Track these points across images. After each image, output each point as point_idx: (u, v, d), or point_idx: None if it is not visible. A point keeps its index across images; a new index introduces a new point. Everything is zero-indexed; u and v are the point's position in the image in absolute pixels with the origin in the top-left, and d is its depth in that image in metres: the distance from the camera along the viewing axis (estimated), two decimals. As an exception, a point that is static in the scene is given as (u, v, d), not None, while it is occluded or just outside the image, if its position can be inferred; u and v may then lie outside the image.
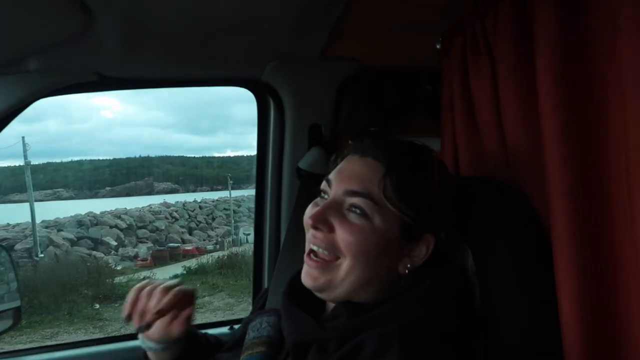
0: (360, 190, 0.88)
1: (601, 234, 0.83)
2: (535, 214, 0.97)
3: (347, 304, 0.90)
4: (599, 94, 0.82)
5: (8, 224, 20.24)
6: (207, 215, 23.58)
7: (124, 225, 20.31)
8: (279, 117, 1.61)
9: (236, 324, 1.71)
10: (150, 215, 21.71)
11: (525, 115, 1.01)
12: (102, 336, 5.60)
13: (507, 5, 1.04)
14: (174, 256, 17.06)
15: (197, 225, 22.66)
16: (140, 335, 1.04)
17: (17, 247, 15.42)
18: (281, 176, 1.65)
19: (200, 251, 17.74)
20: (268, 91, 1.60)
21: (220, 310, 9.85)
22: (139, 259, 17.17)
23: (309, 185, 1.44)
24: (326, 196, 0.94)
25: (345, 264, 0.88)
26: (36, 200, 18.81)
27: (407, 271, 0.91)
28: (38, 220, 17.78)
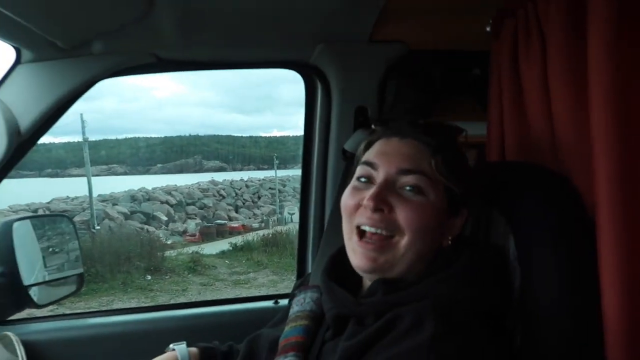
0: (413, 168, 0.92)
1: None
2: (582, 204, 0.97)
3: (384, 281, 0.94)
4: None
5: (68, 197, 21.41)
6: (253, 194, 24.05)
7: (174, 201, 21.04)
8: (326, 99, 1.64)
9: (281, 298, 1.78)
10: (198, 192, 22.37)
11: (574, 101, 1.00)
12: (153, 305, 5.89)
13: (561, -14, 1.02)
14: (221, 233, 17.54)
15: (244, 203, 23.16)
16: None
17: (76, 219, 16.23)
18: (327, 157, 1.68)
19: (246, 229, 18.15)
20: (316, 73, 1.63)
21: (265, 287, 10.11)
22: (187, 234, 17.78)
23: (354, 167, 1.47)
24: (363, 179, 0.97)
25: (403, 240, 0.91)
26: (93, 175, 19.73)
27: (449, 242, 0.96)
28: (94, 194, 18.67)
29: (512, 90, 1.25)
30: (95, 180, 20.15)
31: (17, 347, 1.39)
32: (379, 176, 0.94)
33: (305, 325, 1.02)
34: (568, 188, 0.99)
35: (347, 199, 0.97)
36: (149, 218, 19.51)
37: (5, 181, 1.48)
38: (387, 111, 1.59)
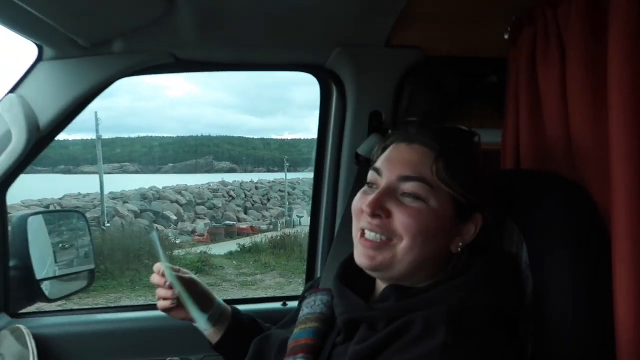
0: (414, 175, 0.92)
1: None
2: (597, 213, 0.96)
3: (396, 287, 0.94)
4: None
5: (79, 194, 21.63)
6: (263, 196, 24.12)
7: (184, 201, 21.17)
8: (341, 103, 1.65)
9: (290, 300, 1.78)
10: (209, 192, 22.49)
11: (593, 110, 0.99)
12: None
13: (582, -6, 1.01)
14: (229, 234, 17.61)
15: (253, 205, 23.23)
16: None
17: (87, 215, 16.34)
18: (340, 161, 1.68)
19: (255, 230, 18.19)
20: (332, 77, 1.64)
21: (272, 289, 10.12)
22: (196, 234, 17.86)
23: (366, 172, 1.47)
24: (374, 187, 0.97)
25: (402, 244, 0.91)
26: (105, 173, 19.92)
27: (459, 249, 0.94)
28: (106, 192, 18.83)
29: (529, 97, 1.24)
30: (107, 178, 20.35)
31: (28, 340, 1.40)
32: (382, 183, 0.95)
33: (316, 327, 1.02)
34: (583, 196, 0.99)
35: (355, 202, 0.99)
36: (159, 217, 19.65)
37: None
38: (402, 116, 1.59)
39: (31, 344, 1.40)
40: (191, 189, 22.61)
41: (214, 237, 16.96)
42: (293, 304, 1.72)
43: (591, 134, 1.00)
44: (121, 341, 1.63)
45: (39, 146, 1.46)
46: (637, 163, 0.84)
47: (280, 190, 24.80)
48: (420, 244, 0.90)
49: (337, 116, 1.67)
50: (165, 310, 1.23)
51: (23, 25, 1.27)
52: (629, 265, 0.84)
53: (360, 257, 0.95)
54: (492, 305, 0.89)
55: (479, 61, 1.58)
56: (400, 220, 0.91)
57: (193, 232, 18.35)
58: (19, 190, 1.57)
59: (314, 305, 1.08)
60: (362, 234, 0.95)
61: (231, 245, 14.39)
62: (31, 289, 1.59)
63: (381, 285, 0.99)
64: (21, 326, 1.45)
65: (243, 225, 19.18)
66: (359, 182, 1.51)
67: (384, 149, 1.01)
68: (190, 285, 1.23)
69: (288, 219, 21.18)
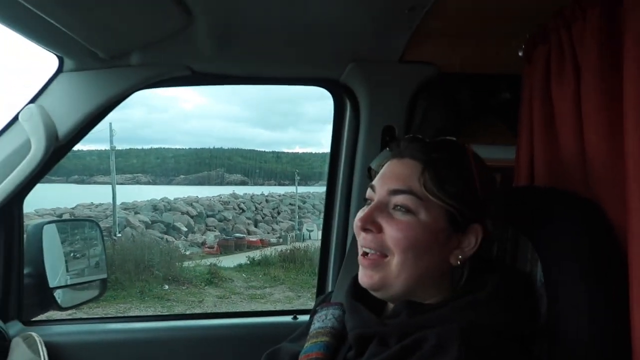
0: (402, 187, 0.92)
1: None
2: (613, 231, 0.95)
3: (408, 303, 0.93)
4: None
5: (92, 203, 21.83)
6: (273, 209, 24.13)
7: (194, 213, 21.25)
8: (354, 117, 1.66)
9: (300, 314, 1.77)
10: (219, 204, 22.56)
11: (608, 127, 0.99)
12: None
13: (596, 12, 1.01)
14: (239, 246, 17.60)
15: (263, 218, 23.24)
16: None
17: (99, 225, 16.42)
18: (352, 175, 1.69)
19: (264, 243, 18.18)
20: (345, 91, 1.65)
21: (280, 303, 10.07)
22: (206, 245, 17.90)
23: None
24: (368, 201, 0.99)
25: (395, 260, 0.91)
26: (117, 184, 20.10)
27: (458, 262, 0.93)
28: (118, 202, 18.98)
29: (543, 114, 1.24)
30: (119, 188, 20.54)
31: (40, 347, 1.41)
32: (375, 198, 0.96)
33: (326, 342, 1.02)
34: (599, 214, 0.98)
35: (355, 219, 0.99)
36: (169, 228, 19.72)
37: (34, 185, 1.52)
38: (414, 132, 1.59)
39: (43, 352, 1.41)
40: (202, 201, 22.70)
41: (223, 249, 16.97)
42: (303, 318, 1.72)
43: (606, 151, 1.00)
44: (130, 351, 1.64)
45: (57, 155, 1.49)
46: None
47: (290, 204, 24.79)
48: (412, 258, 0.90)
49: (350, 130, 1.68)
50: None
51: (45, 37, 1.30)
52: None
53: (362, 276, 0.96)
54: (504, 323, 0.88)
55: (493, 77, 1.58)
56: (390, 234, 0.91)
57: (203, 243, 18.39)
58: (33, 199, 1.60)
59: (325, 319, 1.07)
60: (363, 254, 0.96)
61: (241, 258, 14.38)
62: (44, 297, 1.61)
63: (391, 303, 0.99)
64: (33, 334, 1.46)
65: (253, 238, 19.18)
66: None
67: (379, 166, 1.02)
68: None
69: (298, 232, 21.15)
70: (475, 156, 0.98)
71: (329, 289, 1.76)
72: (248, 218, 22.62)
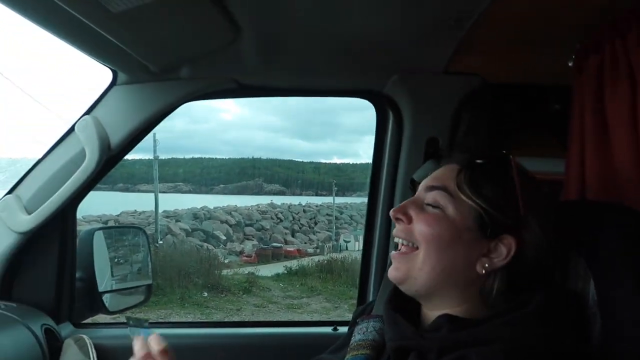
0: (437, 184, 0.96)
1: None
2: None
3: (449, 317, 0.91)
4: None
5: (135, 211, 22.54)
6: (310, 219, 24.20)
7: (233, 222, 21.58)
8: (397, 129, 1.65)
9: (340, 325, 1.77)
10: (257, 214, 22.82)
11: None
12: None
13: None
14: (276, 255, 17.73)
15: (300, 228, 23.34)
16: None
17: (142, 232, 16.87)
18: (395, 186, 1.68)
19: (301, 253, 18.24)
20: (388, 103, 1.65)
21: (317, 313, 10.06)
22: (244, 254, 18.11)
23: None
24: None
25: (421, 253, 0.93)
26: (160, 192, 20.65)
27: (484, 271, 0.91)
28: (160, 210, 19.49)
29: (596, 127, 1.20)
30: (161, 196, 21.09)
31: (90, 350, 1.46)
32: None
33: (367, 354, 1.01)
34: None
35: None
36: (209, 236, 20.07)
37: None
38: (459, 143, 1.57)
39: (92, 354, 1.46)
40: (240, 210, 23.03)
41: (261, 258, 17.13)
42: (343, 329, 1.71)
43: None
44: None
45: (109, 165, 1.55)
46: None
47: (327, 214, 24.80)
48: (435, 251, 0.92)
49: (393, 141, 1.68)
50: None
51: (101, 52, 1.37)
52: None
53: (390, 272, 0.99)
54: (551, 344, 0.85)
55: (540, 88, 1.55)
56: (417, 226, 0.94)
57: (241, 252, 18.63)
58: (81, 205, 1.67)
59: (366, 331, 1.07)
60: (395, 247, 1.00)
61: (278, 267, 14.48)
62: (93, 301, 1.67)
63: (426, 312, 0.99)
64: (84, 336, 1.52)
65: (290, 248, 19.28)
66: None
67: (422, 178, 1.05)
68: None
69: (335, 243, 21.11)
70: (521, 169, 0.97)
71: (370, 300, 1.74)
72: (285, 228, 22.78)
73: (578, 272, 1.00)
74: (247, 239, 20.92)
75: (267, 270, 14.06)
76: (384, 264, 1.71)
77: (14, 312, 1.40)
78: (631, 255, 0.91)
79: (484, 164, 0.95)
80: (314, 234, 22.95)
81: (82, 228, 1.81)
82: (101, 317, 1.83)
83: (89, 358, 1.45)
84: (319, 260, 14.68)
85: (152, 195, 19.65)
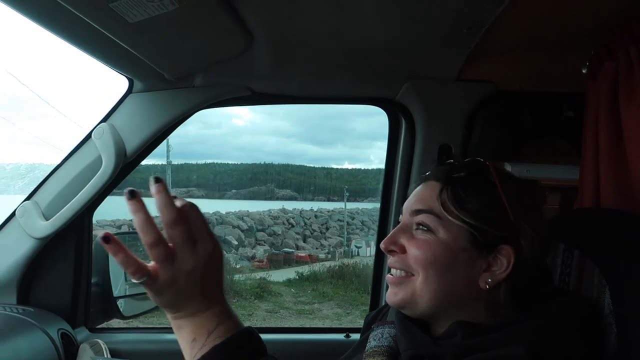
0: (422, 207, 0.93)
1: None
2: None
3: (463, 323, 0.91)
4: None
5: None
6: (322, 225, 24.13)
7: (245, 227, 21.60)
8: (410, 135, 1.66)
9: (352, 332, 1.77)
10: (269, 219, 22.82)
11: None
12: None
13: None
14: (288, 261, 17.69)
15: (312, 233, 23.29)
16: None
17: (154, 237, 16.97)
18: (407, 193, 1.68)
19: (313, 259, 18.18)
20: (401, 110, 1.66)
21: (329, 319, 10.01)
22: (256, 259, 18.11)
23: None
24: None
25: (418, 279, 0.91)
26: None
27: (487, 286, 0.90)
28: (173, 215, 19.53)
29: (610, 134, 1.19)
30: (174, 201, 21.12)
31: (105, 354, 1.48)
32: (402, 222, 0.98)
33: None
34: None
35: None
36: (221, 241, 20.01)
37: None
38: (471, 151, 1.57)
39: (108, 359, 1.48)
40: (252, 215, 23.04)
41: (272, 263, 17.11)
42: (355, 336, 1.71)
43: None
44: None
45: (125, 171, 1.57)
46: None
47: (339, 220, 24.72)
48: (433, 276, 0.90)
49: (405, 148, 1.68)
50: None
51: (118, 60, 1.39)
52: None
53: (387, 295, 0.98)
54: (568, 353, 0.84)
55: (554, 95, 1.54)
56: (411, 253, 0.92)
57: (253, 257, 18.62)
58: (95, 211, 1.70)
59: (381, 337, 1.07)
60: (389, 272, 0.99)
61: (289, 273, 14.44)
62: (108, 306, 1.69)
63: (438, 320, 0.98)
64: (99, 341, 1.54)
65: (301, 253, 19.24)
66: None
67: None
68: None
69: (346, 248, 21.03)
70: (502, 173, 0.95)
71: (382, 305, 1.74)
72: (297, 233, 22.74)
73: (593, 281, 0.99)
74: (259, 244, 20.91)
75: (279, 275, 14.04)
76: (396, 269, 1.71)
77: (31, 316, 1.43)
78: None
79: (463, 177, 0.93)
80: (326, 240, 22.88)
81: (96, 233, 1.83)
82: (115, 322, 1.85)
83: (105, 362, 1.47)
84: (330, 266, 14.62)
85: (163, 200, 19.70)
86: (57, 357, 1.40)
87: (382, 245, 0.96)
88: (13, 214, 1.53)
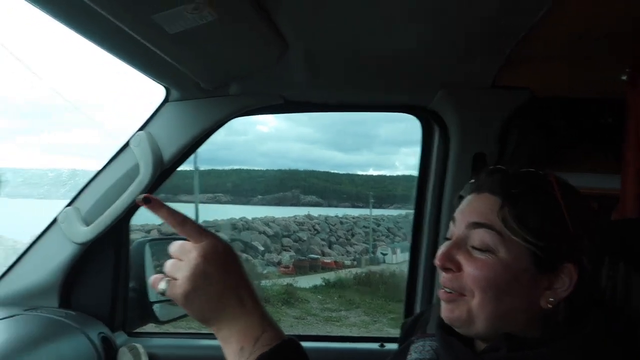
0: (482, 221, 0.87)
1: None
2: None
3: (508, 336, 0.88)
4: None
5: (177, 221, 22.96)
6: (347, 231, 24.06)
7: (271, 233, 21.70)
8: (443, 143, 1.64)
9: (387, 342, 1.75)
10: (294, 225, 22.88)
11: None
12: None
13: None
14: (313, 267, 17.69)
15: (337, 239, 23.24)
16: None
17: (182, 243, 17.27)
18: (441, 201, 1.66)
19: (338, 265, 18.13)
20: (433, 117, 1.65)
21: (356, 327, 9.95)
22: (282, 265, 18.16)
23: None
24: (449, 235, 0.95)
25: (474, 300, 0.87)
26: (200, 202, 21.02)
27: (549, 305, 0.86)
28: (200, 221, 19.84)
29: (654, 142, 1.17)
30: (201, 207, 21.49)
31: (143, 358, 1.51)
32: (455, 234, 0.92)
33: None
34: None
35: (435, 256, 0.94)
36: (247, 247, 20.26)
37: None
38: (507, 159, 1.54)
39: (145, 363, 1.51)
40: (278, 221, 23.14)
41: (298, 269, 17.14)
42: (390, 346, 1.70)
43: None
44: None
45: (161, 178, 1.61)
46: None
47: (364, 226, 24.60)
48: (491, 298, 0.85)
49: (439, 156, 1.67)
50: None
51: (156, 70, 1.43)
52: None
53: (443, 311, 0.92)
54: None
55: (592, 102, 1.51)
56: (468, 273, 0.87)
57: (279, 263, 18.69)
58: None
59: (422, 350, 1.05)
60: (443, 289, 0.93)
61: (315, 279, 14.43)
62: (144, 310, 1.72)
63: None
64: (138, 345, 1.57)
65: (327, 260, 19.21)
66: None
67: (460, 199, 0.98)
68: None
69: (372, 255, 20.91)
70: (563, 185, 0.90)
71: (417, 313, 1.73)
72: (322, 239, 22.71)
73: (631, 292, 0.97)
74: (285, 250, 20.96)
75: (305, 281, 14.05)
76: (431, 277, 1.69)
77: (74, 320, 1.46)
78: None
79: (524, 192, 0.87)
80: (351, 246, 22.78)
81: (139, 239, 1.87)
82: (149, 327, 1.88)
83: (142, 366, 1.49)
84: (356, 273, 14.56)
85: (192, 205, 20.01)
86: None
87: (437, 262, 0.90)
88: (55, 220, 1.57)
